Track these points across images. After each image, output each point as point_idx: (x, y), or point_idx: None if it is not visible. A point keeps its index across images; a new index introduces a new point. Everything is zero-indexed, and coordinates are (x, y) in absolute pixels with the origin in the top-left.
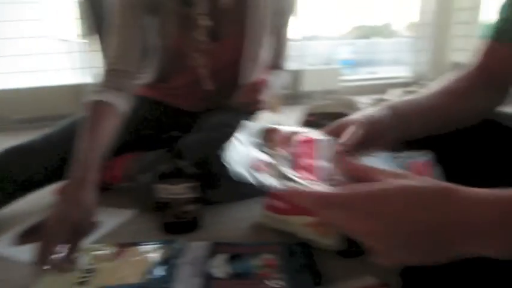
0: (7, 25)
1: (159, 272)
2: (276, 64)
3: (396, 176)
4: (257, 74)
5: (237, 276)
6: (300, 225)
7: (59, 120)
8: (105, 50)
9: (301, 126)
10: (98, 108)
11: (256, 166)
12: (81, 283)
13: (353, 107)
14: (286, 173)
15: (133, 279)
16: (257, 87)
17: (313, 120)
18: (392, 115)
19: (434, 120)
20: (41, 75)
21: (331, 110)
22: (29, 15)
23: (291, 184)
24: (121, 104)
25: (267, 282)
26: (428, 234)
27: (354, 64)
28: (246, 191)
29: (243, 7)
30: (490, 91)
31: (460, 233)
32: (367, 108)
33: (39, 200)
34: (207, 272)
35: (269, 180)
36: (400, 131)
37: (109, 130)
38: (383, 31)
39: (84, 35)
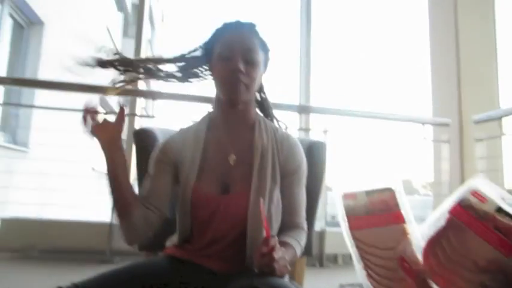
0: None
1: None
2: (294, 224)
3: None
4: (267, 233)
5: None
6: None
7: (84, 253)
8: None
9: None
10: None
11: None
12: None
13: None
14: None
15: None
16: (269, 245)
17: None
18: None
19: None
20: (72, 209)
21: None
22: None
23: None
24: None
25: None
26: None
27: None
28: None
29: (250, 166)
30: None
31: None
32: None
33: None
34: None
35: None
36: None
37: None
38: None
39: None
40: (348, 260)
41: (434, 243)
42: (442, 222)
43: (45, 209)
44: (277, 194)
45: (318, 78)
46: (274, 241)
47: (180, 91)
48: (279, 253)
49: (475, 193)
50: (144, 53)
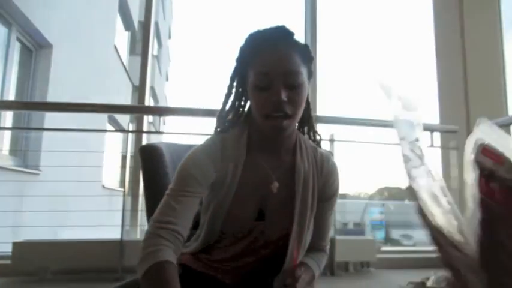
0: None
1: None
2: (318, 246)
3: None
4: (294, 263)
5: None
6: None
7: (96, 273)
8: (151, 209)
9: None
10: (166, 268)
11: None
12: None
13: None
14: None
15: None
16: (295, 276)
17: None
18: None
19: None
20: (83, 229)
21: None
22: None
23: None
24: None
25: None
26: None
27: (383, 225)
28: None
29: (291, 192)
30: None
31: None
32: None
33: None
34: None
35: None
36: None
37: None
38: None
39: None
40: (358, 267)
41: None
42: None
43: (57, 230)
44: (312, 221)
45: (323, 86)
46: (300, 272)
47: (187, 105)
48: (302, 284)
49: (487, 151)
50: (151, 70)
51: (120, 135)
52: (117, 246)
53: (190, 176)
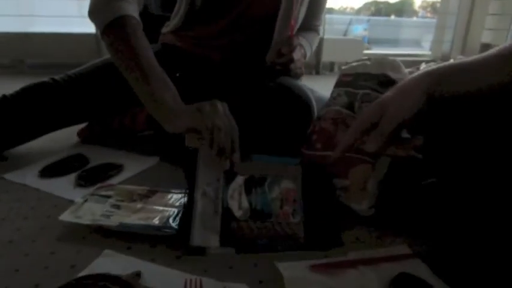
0: None
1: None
2: (311, 26)
3: None
4: (291, 32)
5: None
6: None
7: (73, 67)
8: None
9: (336, 87)
10: (128, 23)
11: None
12: (106, 216)
13: (397, 70)
14: None
15: (155, 221)
16: (291, 45)
17: (349, 81)
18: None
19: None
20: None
21: (372, 71)
22: None
23: None
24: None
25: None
26: None
27: (366, 42)
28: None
29: None
30: None
31: None
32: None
33: (64, 141)
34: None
35: None
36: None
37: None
38: (401, 9)
39: None
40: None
41: None
42: None
43: (26, 21)
44: None
45: None
46: (297, 42)
47: None
48: (298, 54)
49: None
50: None
51: None
52: (93, 41)
53: None
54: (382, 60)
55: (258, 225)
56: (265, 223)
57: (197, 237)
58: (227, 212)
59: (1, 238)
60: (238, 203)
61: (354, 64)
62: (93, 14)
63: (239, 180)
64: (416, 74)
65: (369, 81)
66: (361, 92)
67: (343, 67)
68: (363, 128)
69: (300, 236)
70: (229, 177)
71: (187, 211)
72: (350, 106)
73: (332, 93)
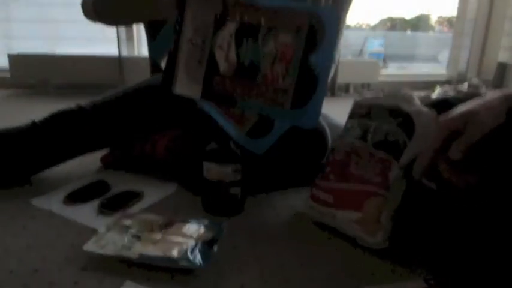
0: None
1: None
2: None
3: None
4: None
5: None
6: (347, 220)
7: (98, 89)
8: None
9: (349, 118)
10: None
11: None
12: (127, 247)
13: (409, 101)
14: None
15: (174, 253)
16: None
17: (363, 113)
18: None
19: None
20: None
21: (385, 103)
22: None
23: None
24: None
25: None
26: None
27: (382, 58)
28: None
29: None
30: None
31: None
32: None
33: (87, 166)
34: None
35: None
36: None
37: None
38: (417, 24)
39: None
40: (360, 90)
41: None
42: None
43: (51, 45)
44: None
45: None
46: None
47: None
48: None
49: None
50: None
51: None
52: (116, 62)
53: None
54: (395, 93)
55: (241, 83)
56: (251, 84)
57: (180, 86)
58: (212, 64)
59: (27, 266)
60: (226, 54)
61: (368, 96)
62: None
63: (230, 27)
64: (491, 94)
65: (381, 113)
66: (373, 124)
67: (356, 98)
68: (445, 136)
69: (285, 106)
70: (220, 22)
71: (171, 59)
72: (363, 137)
73: (346, 124)
